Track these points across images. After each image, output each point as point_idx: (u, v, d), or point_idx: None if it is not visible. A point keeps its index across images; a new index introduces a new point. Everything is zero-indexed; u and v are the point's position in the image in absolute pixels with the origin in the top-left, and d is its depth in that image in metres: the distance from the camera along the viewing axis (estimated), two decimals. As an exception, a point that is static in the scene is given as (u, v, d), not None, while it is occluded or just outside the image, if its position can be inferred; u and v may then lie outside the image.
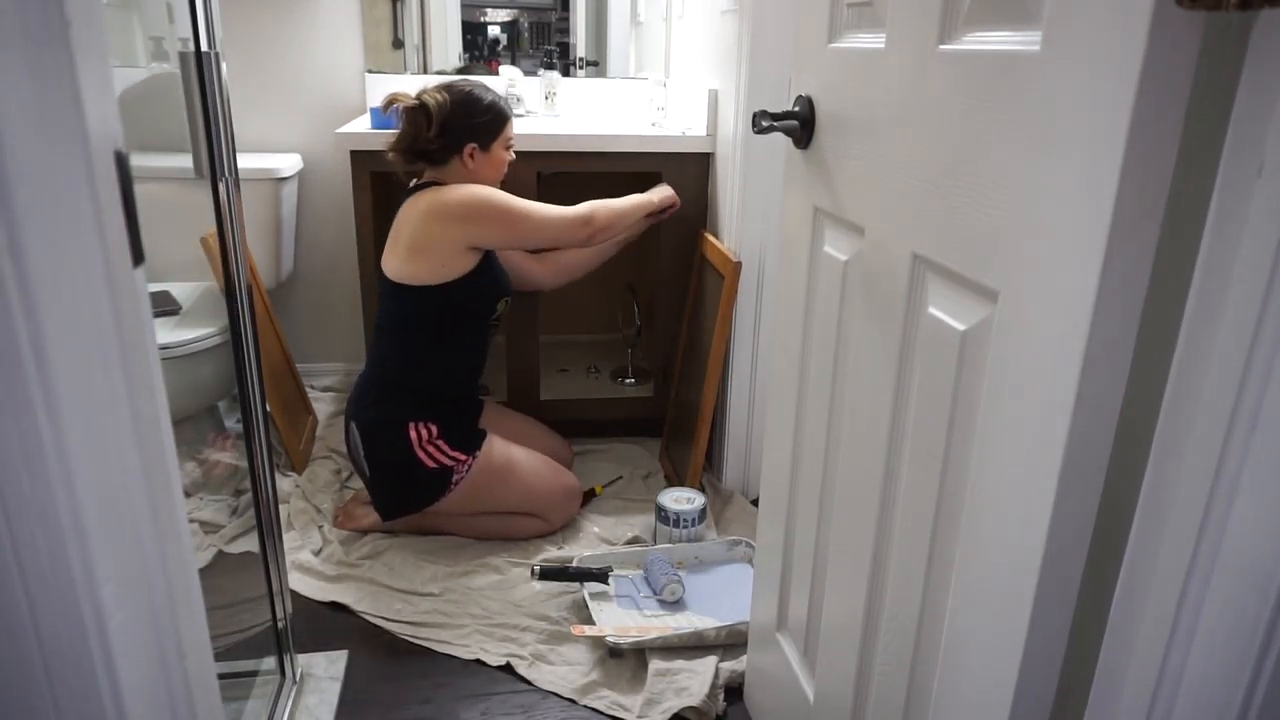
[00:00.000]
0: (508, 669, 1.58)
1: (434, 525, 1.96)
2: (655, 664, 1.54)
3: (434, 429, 1.85)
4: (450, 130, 1.83)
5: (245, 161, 2.30)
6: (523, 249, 2.04)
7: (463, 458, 1.87)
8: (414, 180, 1.93)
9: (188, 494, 2.08)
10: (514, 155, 1.95)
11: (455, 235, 1.80)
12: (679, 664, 1.54)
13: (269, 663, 1.49)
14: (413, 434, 1.84)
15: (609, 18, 2.78)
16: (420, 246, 1.81)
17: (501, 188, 1.91)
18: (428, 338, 1.87)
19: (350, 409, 1.95)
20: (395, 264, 1.83)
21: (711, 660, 1.55)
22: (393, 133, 1.99)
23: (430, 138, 1.82)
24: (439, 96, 1.82)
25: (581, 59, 2.79)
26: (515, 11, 2.74)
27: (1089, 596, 0.70)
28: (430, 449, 1.86)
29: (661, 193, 2.10)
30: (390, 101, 1.88)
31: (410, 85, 2.56)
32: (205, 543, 1.89)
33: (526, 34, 2.78)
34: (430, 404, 1.87)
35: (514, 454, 1.95)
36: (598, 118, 2.64)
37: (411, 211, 1.83)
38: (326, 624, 1.70)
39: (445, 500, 1.88)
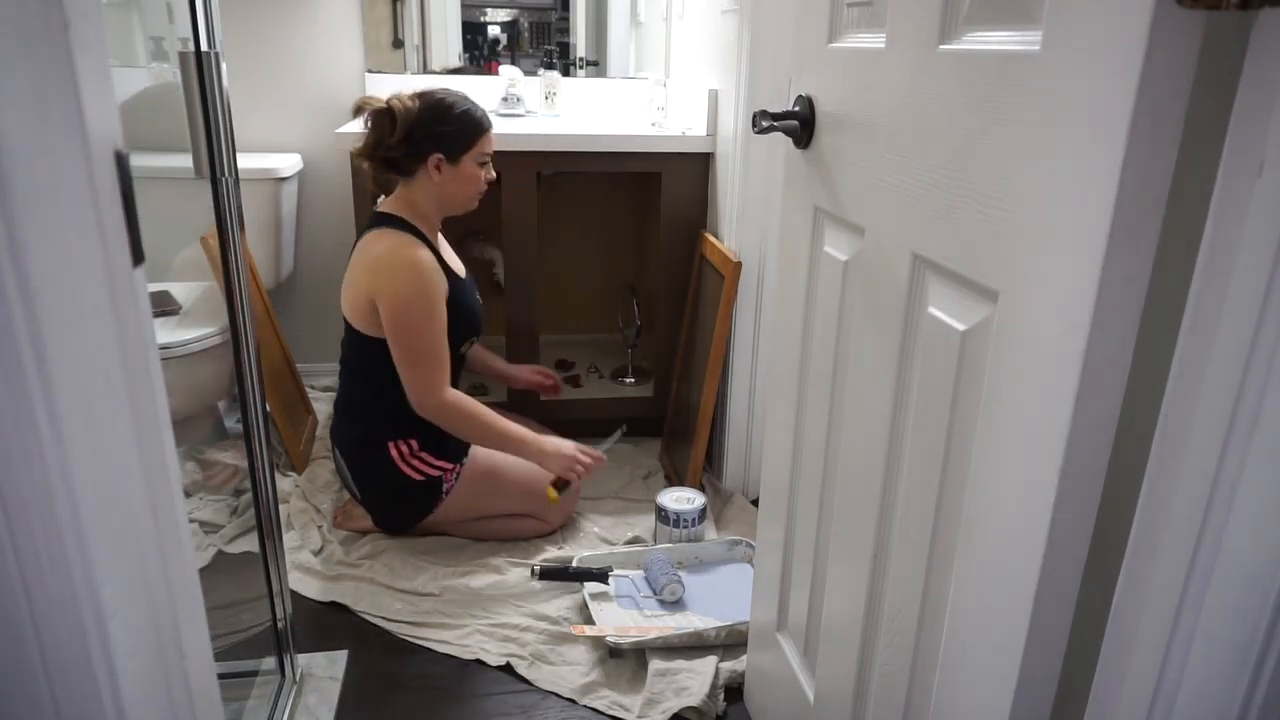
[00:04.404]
0: (508, 669, 1.58)
1: (434, 527, 1.96)
2: (655, 664, 1.54)
3: (414, 444, 1.85)
4: (415, 138, 1.76)
5: (245, 161, 2.30)
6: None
7: (449, 466, 1.87)
8: (380, 197, 1.90)
9: (188, 494, 2.08)
10: (493, 174, 1.86)
11: (367, 294, 1.77)
12: (679, 664, 1.54)
13: (269, 663, 1.49)
14: (393, 451, 1.84)
15: (609, 18, 2.78)
16: (354, 296, 1.80)
17: (500, 193, 1.90)
18: (389, 371, 1.81)
19: (332, 432, 1.95)
20: (347, 306, 1.83)
21: (711, 660, 1.55)
22: None
23: (393, 144, 1.76)
24: (407, 102, 1.77)
25: (581, 59, 2.79)
26: (515, 11, 2.74)
27: (1089, 597, 0.70)
28: (415, 463, 1.85)
29: (558, 447, 1.86)
30: (360, 106, 1.83)
31: (410, 85, 2.57)
32: (205, 543, 1.89)
33: (526, 34, 2.77)
34: (406, 422, 1.83)
35: (505, 457, 1.92)
36: (598, 118, 2.64)
37: (361, 257, 1.80)
38: (326, 624, 1.70)
39: (440, 510, 1.88)
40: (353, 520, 1.99)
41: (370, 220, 1.87)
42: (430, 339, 1.78)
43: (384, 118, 1.77)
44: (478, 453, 1.91)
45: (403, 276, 1.76)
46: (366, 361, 1.84)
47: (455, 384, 1.93)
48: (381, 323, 1.78)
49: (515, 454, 1.86)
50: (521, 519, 1.96)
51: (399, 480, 1.85)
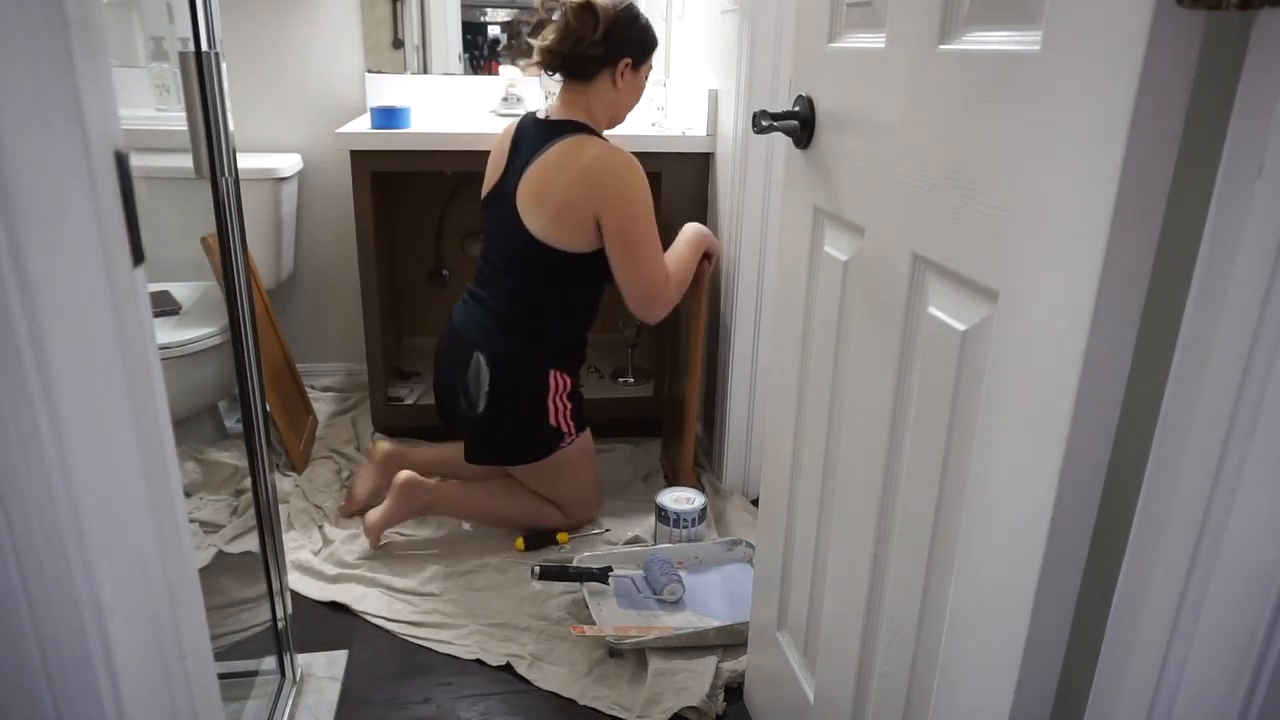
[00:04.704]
0: (508, 669, 1.58)
1: (455, 508, 1.93)
2: (655, 664, 1.54)
3: (569, 382, 1.81)
4: (613, 39, 1.74)
5: (245, 161, 2.29)
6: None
7: (575, 429, 1.86)
8: (544, 110, 1.82)
9: (188, 494, 2.08)
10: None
11: (592, 211, 1.72)
12: (679, 664, 1.54)
13: (269, 663, 1.49)
14: (553, 381, 1.79)
15: (609, 18, 2.78)
16: (567, 213, 1.72)
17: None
18: (564, 292, 1.80)
19: (469, 335, 1.81)
20: (539, 221, 1.73)
21: (711, 660, 1.55)
22: (395, 132, 1.97)
23: (595, 40, 1.72)
24: (606, 2, 1.73)
25: (582, 59, 2.78)
26: (515, 11, 2.74)
27: (1089, 597, 0.70)
28: (560, 403, 1.80)
29: (708, 236, 1.97)
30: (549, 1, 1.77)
31: (411, 85, 2.57)
32: (205, 543, 1.89)
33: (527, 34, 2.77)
34: (566, 355, 1.82)
35: (593, 449, 1.94)
36: (598, 118, 2.63)
37: (565, 167, 1.71)
38: (326, 624, 1.70)
39: (538, 465, 1.84)
40: (355, 504, 1.99)
41: (545, 127, 1.79)
42: (656, 236, 1.78)
43: (587, 13, 1.72)
44: (588, 432, 1.92)
45: (632, 181, 1.72)
46: (556, 278, 1.78)
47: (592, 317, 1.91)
48: (596, 237, 1.74)
49: (697, 259, 1.92)
50: (549, 506, 1.94)
51: (538, 411, 1.80)
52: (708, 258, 2.00)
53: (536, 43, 1.77)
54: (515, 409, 1.82)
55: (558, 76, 1.80)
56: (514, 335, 1.80)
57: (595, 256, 1.78)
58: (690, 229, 1.96)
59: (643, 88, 1.85)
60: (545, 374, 1.79)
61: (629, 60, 1.77)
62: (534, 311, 1.81)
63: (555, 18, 1.75)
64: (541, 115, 1.83)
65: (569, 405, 1.84)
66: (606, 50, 1.75)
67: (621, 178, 1.72)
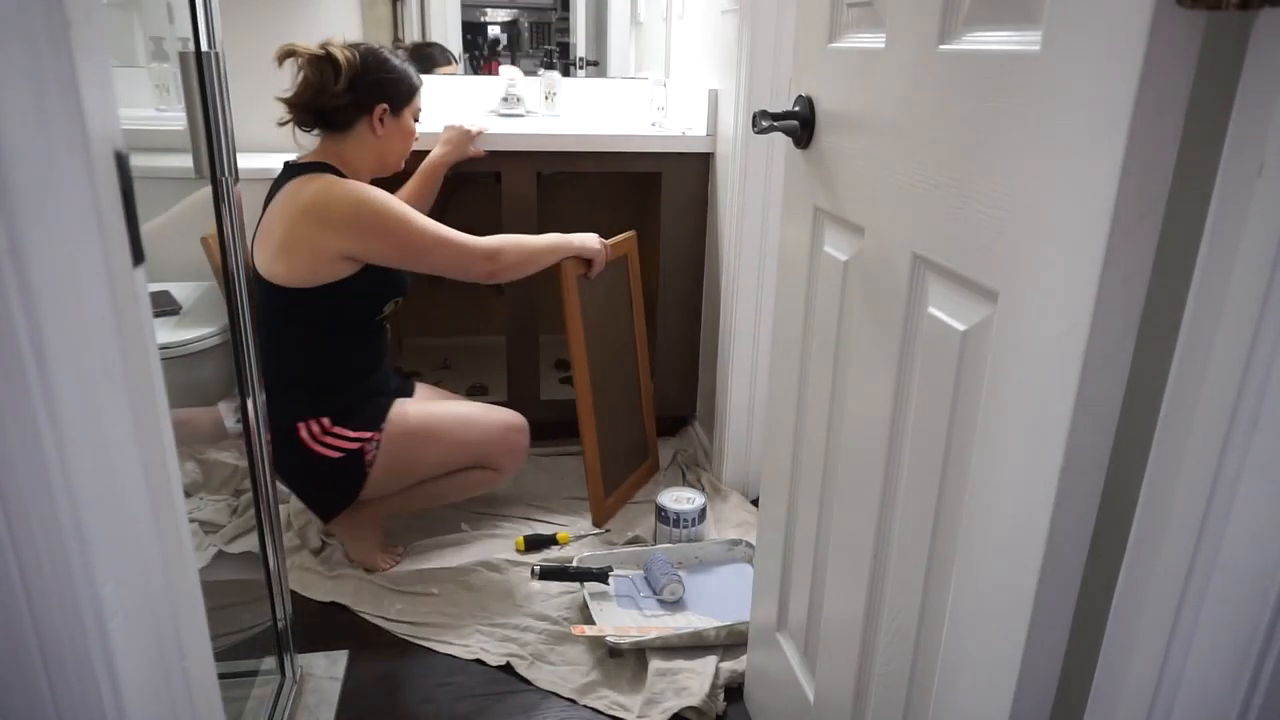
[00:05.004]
0: (508, 669, 1.58)
1: (378, 507, 1.85)
2: (655, 664, 1.54)
3: (325, 422, 1.70)
4: (360, 86, 1.66)
5: (245, 161, 2.29)
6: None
7: (367, 435, 1.73)
8: (297, 156, 1.75)
9: (188, 494, 2.08)
10: (418, 136, 1.81)
11: (331, 244, 1.62)
12: (679, 664, 1.54)
13: (269, 663, 1.49)
14: (303, 433, 1.69)
15: (609, 18, 2.78)
16: (291, 247, 1.62)
17: (500, 193, 1.89)
18: (304, 335, 1.70)
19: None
20: (264, 259, 1.65)
21: (711, 660, 1.55)
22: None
23: (337, 92, 1.65)
24: (347, 51, 1.66)
25: (581, 59, 2.79)
26: (515, 11, 2.74)
27: (1089, 596, 0.70)
28: (328, 440, 1.71)
29: (585, 241, 1.92)
30: (286, 53, 1.67)
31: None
32: (205, 543, 1.89)
33: (526, 34, 2.78)
34: (319, 398, 1.71)
35: (431, 410, 1.80)
36: (598, 118, 2.64)
37: (290, 204, 1.63)
38: (326, 624, 1.70)
39: (370, 484, 1.74)
40: (372, 559, 1.92)
41: (287, 170, 1.71)
42: (427, 224, 1.68)
43: (325, 64, 1.65)
44: (395, 415, 1.77)
45: (363, 203, 1.62)
46: (281, 323, 1.68)
47: (382, 354, 1.83)
48: (329, 269, 1.64)
49: (565, 255, 1.86)
50: (467, 474, 1.84)
51: (315, 461, 1.70)
52: (589, 264, 1.94)
53: (280, 98, 1.70)
54: (298, 471, 1.74)
55: (316, 132, 1.73)
56: (271, 396, 1.64)
57: (314, 293, 1.66)
58: (553, 236, 1.88)
59: (411, 130, 1.78)
60: (294, 433, 1.69)
61: (385, 106, 1.70)
62: (269, 376, 1.63)
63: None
64: (293, 159, 1.75)
65: (340, 431, 1.72)
66: (356, 98, 1.68)
67: (350, 204, 1.63)
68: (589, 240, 1.92)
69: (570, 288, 1.91)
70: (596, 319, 2.03)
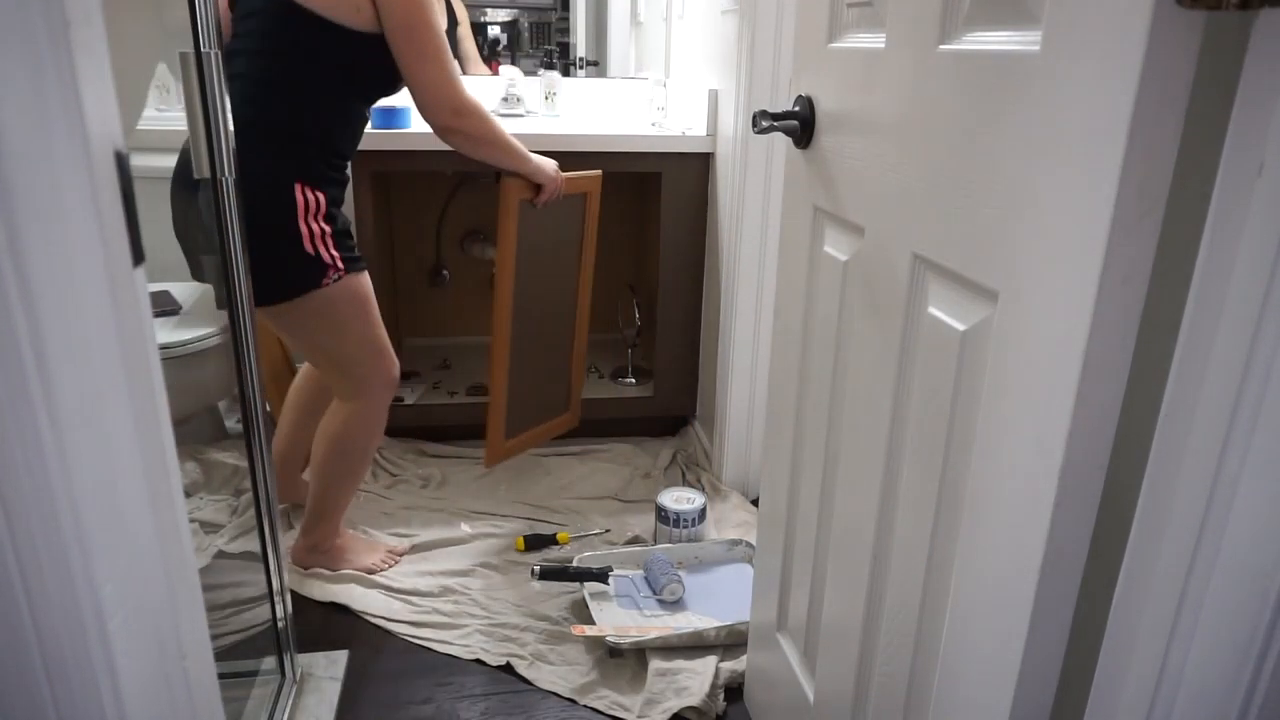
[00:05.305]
0: (508, 669, 1.58)
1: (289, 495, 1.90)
2: (655, 664, 1.54)
3: (321, 198, 1.56)
4: None
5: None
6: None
7: (339, 262, 1.60)
8: None
9: (188, 494, 2.08)
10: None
11: None
12: (679, 664, 1.54)
13: (269, 663, 1.49)
14: (299, 196, 1.53)
15: (609, 18, 2.78)
16: None
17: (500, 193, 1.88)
18: (329, 86, 1.56)
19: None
20: None
21: (711, 660, 1.55)
22: (395, 132, 1.95)
23: None
24: None
25: (581, 59, 2.79)
26: (515, 11, 2.74)
27: (1089, 596, 0.70)
28: (314, 225, 1.56)
29: (542, 164, 1.82)
30: None
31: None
32: (205, 543, 1.89)
33: (526, 34, 2.78)
34: (320, 168, 1.57)
35: (373, 297, 1.70)
36: (598, 118, 2.64)
37: None
38: (326, 624, 1.70)
39: (308, 300, 1.58)
40: (294, 492, 1.98)
41: None
42: (442, 34, 1.55)
43: None
44: (363, 277, 1.66)
45: None
46: (309, 59, 1.53)
47: (354, 146, 1.68)
48: (371, 17, 1.51)
49: (518, 166, 1.76)
50: (356, 460, 1.75)
51: (291, 235, 1.54)
52: (539, 189, 1.85)
53: None
54: (268, 233, 1.51)
55: None
56: (256, 139, 1.49)
57: (361, 42, 1.53)
58: (521, 147, 1.77)
59: None
60: (290, 189, 1.51)
61: None
62: (274, 116, 1.52)
63: None
64: None
65: (325, 229, 1.56)
66: None
67: None
68: (546, 165, 1.84)
69: (509, 209, 1.80)
70: (535, 252, 1.93)
